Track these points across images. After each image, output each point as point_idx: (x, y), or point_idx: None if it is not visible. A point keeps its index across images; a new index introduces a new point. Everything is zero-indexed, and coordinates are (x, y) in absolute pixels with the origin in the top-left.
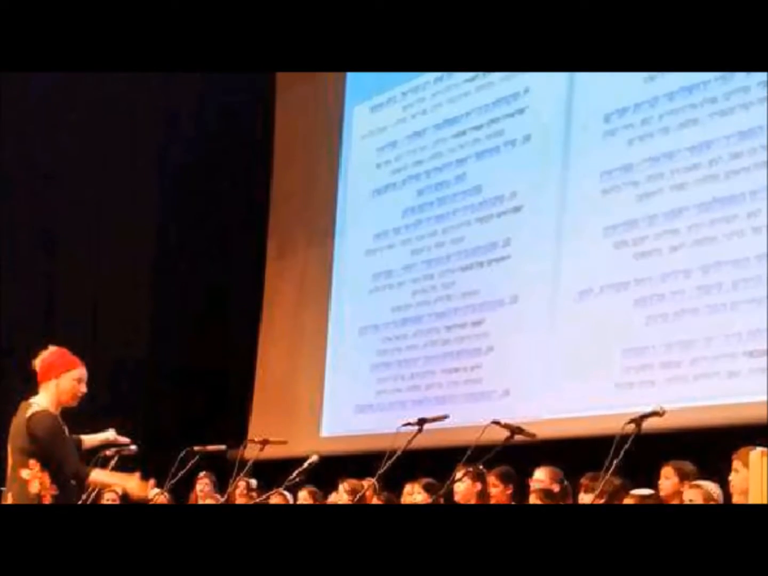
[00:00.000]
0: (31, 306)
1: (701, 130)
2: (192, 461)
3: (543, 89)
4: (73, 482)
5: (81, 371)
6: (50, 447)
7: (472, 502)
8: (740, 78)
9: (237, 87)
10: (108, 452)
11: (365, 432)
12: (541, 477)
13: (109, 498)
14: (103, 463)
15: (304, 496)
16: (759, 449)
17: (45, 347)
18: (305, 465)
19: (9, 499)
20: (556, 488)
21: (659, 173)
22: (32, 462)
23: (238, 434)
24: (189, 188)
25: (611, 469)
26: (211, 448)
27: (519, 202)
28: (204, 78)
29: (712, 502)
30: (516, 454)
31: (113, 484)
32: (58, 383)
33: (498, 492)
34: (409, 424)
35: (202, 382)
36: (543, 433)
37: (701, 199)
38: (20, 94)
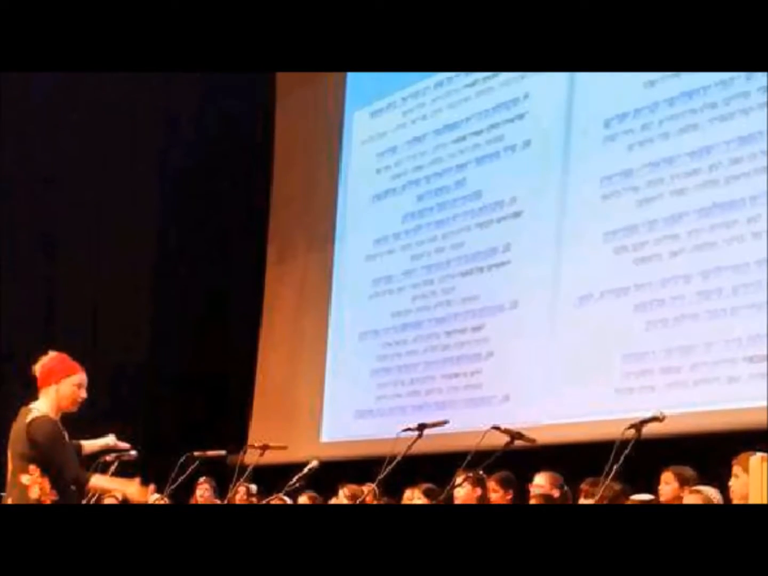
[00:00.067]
0: (31, 311)
1: (701, 136)
2: (192, 466)
3: (543, 94)
4: (73, 487)
5: (81, 376)
6: (50, 452)
7: None
8: (740, 83)
9: (237, 92)
10: (108, 457)
11: (365, 437)
12: (541, 482)
13: (109, 503)
14: (103, 469)
15: (304, 502)
16: (759, 454)
17: (45, 352)
18: (305, 470)
19: None
20: (556, 493)
21: (659, 178)
22: (32, 467)
23: (238, 439)
24: (189, 192)
25: (611, 475)
26: (211, 453)
27: (519, 208)
28: (204, 82)
29: None
30: (516, 459)
31: (113, 489)
32: (58, 389)
33: (498, 497)
34: (409, 429)
35: (202, 387)
36: (543, 438)
37: (701, 204)
38: (21, 97)
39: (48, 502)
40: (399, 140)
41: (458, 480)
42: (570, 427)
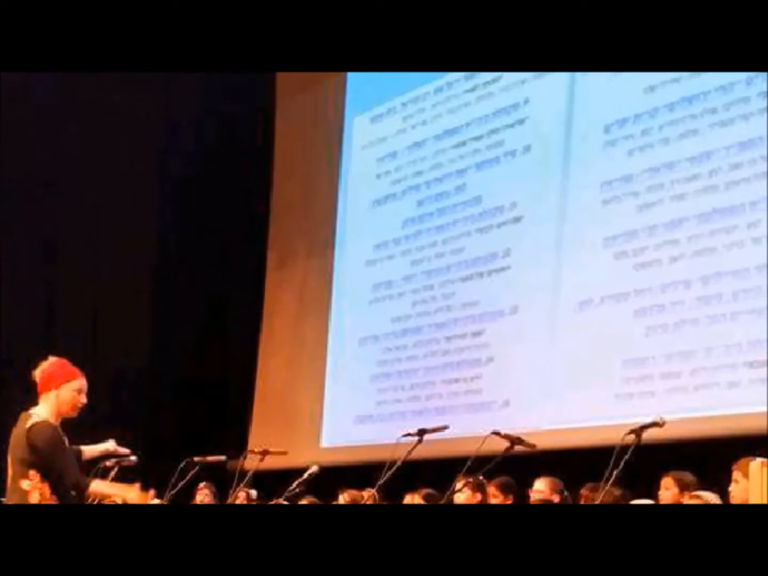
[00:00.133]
0: (31, 316)
1: (701, 141)
2: (192, 472)
3: (543, 100)
4: (73, 493)
5: (81, 382)
6: (50, 458)
7: None
8: (740, 88)
9: (237, 97)
10: (108, 463)
11: (365, 442)
12: (541, 487)
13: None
14: (103, 474)
15: None
16: (759, 460)
17: (45, 358)
18: (305, 476)
19: None
20: (556, 499)
21: (659, 184)
22: (32, 473)
23: (238, 445)
24: (189, 197)
25: (611, 480)
26: (211, 458)
27: (519, 213)
28: (204, 88)
29: None
30: (516, 464)
31: (113, 494)
32: (58, 394)
33: (498, 502)
34: (409, 434)
35: (202, 392)
36: (543, 443)
37: (701, 209)
38: (21, 100)
39: None
40: (399, 145)
41: (458, 485)
42: (570, 432)
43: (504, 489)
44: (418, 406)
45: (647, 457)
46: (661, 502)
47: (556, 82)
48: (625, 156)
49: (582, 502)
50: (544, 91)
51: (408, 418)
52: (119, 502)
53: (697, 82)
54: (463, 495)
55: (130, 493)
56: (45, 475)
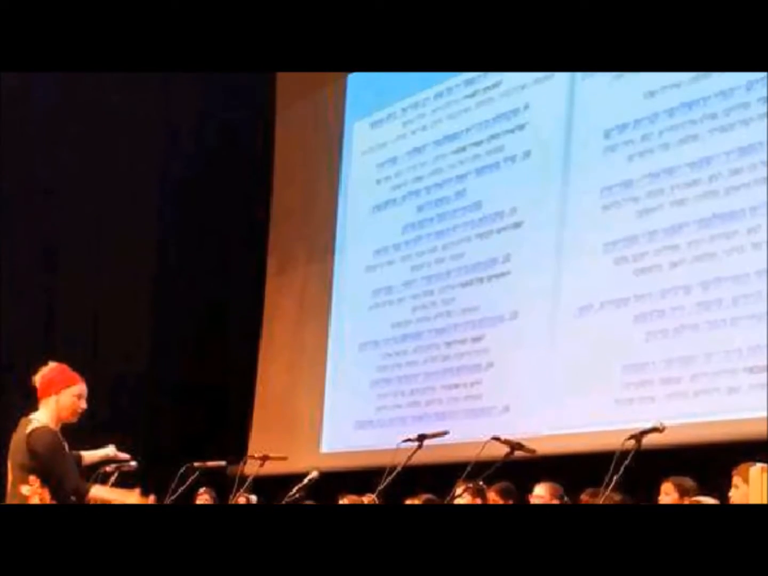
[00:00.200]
0: (31, 321)
1: (701, 146)
2: (192, 477)
3: (543, 105)
4: (73, 498)
5: (81, 387)
6: (50, 463)
7: None
8: (740, 94)
9: (237, 103)
10: (108, 468)
11: (365, 448)
12: (541, 493)
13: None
14: (103, 479)
15: None
16: (759, 465)
17: (45, 363)
18: (305, 481)
19: None
20: (556, 504)
21: (659, 189)
22: (32, 478)
23: (238, 450)
24: (189, 204)
25: (611, 485)
26: (211, 464)
27: (519, 218)
28: (204, 94)
29: None
30: (516, 470)
31: (113, 500)
32: (58, 399)
33: None
34: (409, 440)
35: (202, 397)
36: (543, 449)
37: (701, 214)
38: (21, 106)
39: None
40: (399, 151)
41: (458, 490)
42: (570, 437)
43: (504, 494)
44: (418, 411)
45: (647, 463)
46: None
47: (556, 87)
48: (625, 161)
49: None
50: (544, 97)
51: (408, 424)
52: None
53: (697, 87)
54: (463, 500)
55: (130, 499)
56: (45, 481)
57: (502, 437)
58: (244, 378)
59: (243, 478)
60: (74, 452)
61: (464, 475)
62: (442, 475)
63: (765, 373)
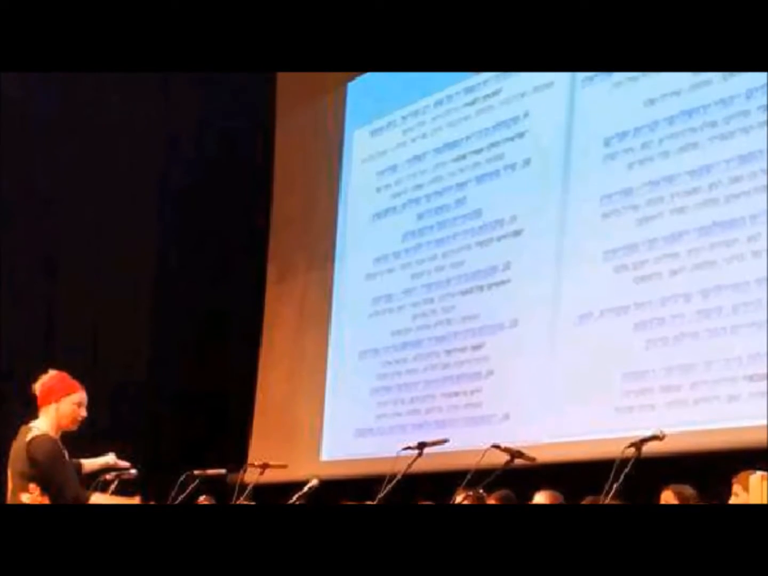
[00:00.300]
0: (31, 330)
1: (701, 154)
2: (192, 485)
3: (543, 113)
4: None
5: (81, 395)
6: (50, 471)
7: None
8: (740, 102)
9: (237, 111)
10: (108, 476)
11: (365, 456)
12: (541, 501)
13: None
14: (103, 487)
15: None
16: (759, 473)
17: (45, 371)
18: (305, 489)
19: None
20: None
21: (659, 197)
22: (32, 486)
23: (238, 458)
24: (189, 212)
25: (611, 493)
26: (211, 471)
27: (519, 226)
28: (204, 102)
29: None
30: (516, 478)
31: None
32: (58, 407)
33: None
34: (409, 448)
35: (202, 405)
36: (543, 456)
37: (701, 223)
38: (21, 117)
39: None
40: (399, 159)
41: (458, 498)
42: (570, 445)
43: (504, 502)
44: (418, 419)
45: (647, 471)
46: None
47: (555, 95)
48: (625, 169)
49: None
50: (543, 105)
51: (408, 432)
52: None
53: (697, 95)
54: None
55: None
56: (45, 489)
57: (502, 445)
58: (244, 386)
59: (243, 486)
60: (74, 460)
61: (464, 483)
62: (442, 483)
63: (765, 381)
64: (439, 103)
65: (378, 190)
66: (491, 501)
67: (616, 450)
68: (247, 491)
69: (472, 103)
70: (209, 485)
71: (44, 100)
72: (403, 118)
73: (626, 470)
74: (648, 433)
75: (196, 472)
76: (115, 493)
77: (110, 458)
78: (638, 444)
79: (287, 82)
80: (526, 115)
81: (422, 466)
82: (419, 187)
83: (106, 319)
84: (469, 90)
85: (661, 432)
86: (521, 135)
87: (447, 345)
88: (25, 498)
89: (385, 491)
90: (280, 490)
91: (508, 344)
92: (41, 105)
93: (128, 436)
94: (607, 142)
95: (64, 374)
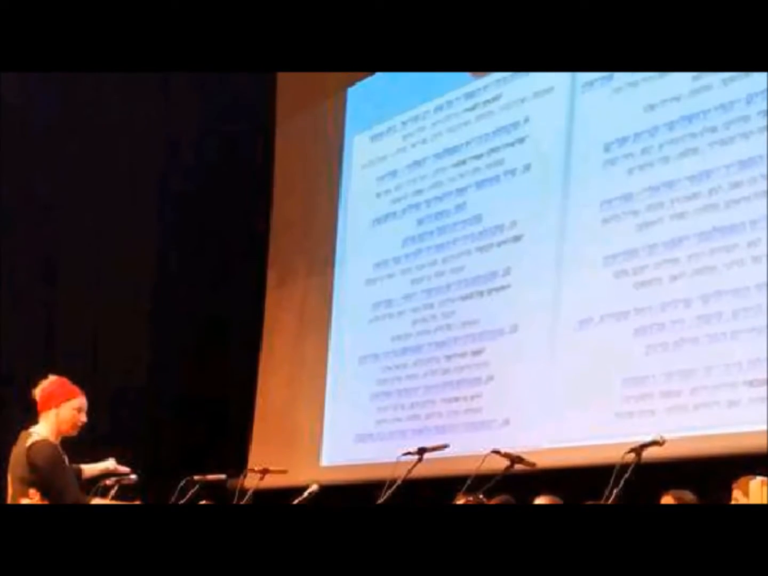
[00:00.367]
0: (31, 335)
1: (701, 160)
2: (192, 490)
3: (543, 118)
4: None
5: (81, 400)
6: (50, 476)
7: None
8: (740, 107)
9: (237, 116)
10: (108, 481)
11: (365, 461)
12: None
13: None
14: (103, 493)
15: None
16: (759, 478)
17: (45, 376)
18: (305, 494)
19: None
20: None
21: (659, 202)
22: (32, 491)
23: (238, 463)
24: (189, 217)
25: (611, 499)
26: (211, 477)
27: (519, 232)
28: (204, 107)
29: None
30: (516, 483)
31: None
32: (58, 412)
33: None
34: (409, 453)
35: (202, 411)
36: (543, 462)
37: (701, 228)
38: (21, 122)
39: None
40: (399, 164)
41: (458, 504)
42: (570, 451)
43: None
44: (418, 424)
45: (647, 476)
46: None
47: (555, 100)
48: (625, 174)
49: None
50: (544, 110)
51: (408, 437)
52: None
53: (696, 100)
54: None
55: None
56: (45, 494)
57: (502, 450)
58: (244, 391)
59: (243, 492)
60: (74, 465)
61: (464, 489)
62: (442, 489)
63: (765, 387)
64: (439, 108)
65: (378, 195)
66: None
67: (616, 455)
68: (247, 496)
69: (472, 108)
70: (209, 490)
71: (44, 106)
72: (403, 123)
73: (626, 475)
74: (648, 439)
75: (196, 477)
76: (115, 498)
77: (110, 463)
78: (638, 449)
79: (287, 86)
80: (526, 120)
81: (422, 471)
82: (419, 192)
83: (106, 324)
84: (469, 95)
85: (661, 437)
86: (521, 140)
87: (447, 350)
88: (25, 503)
89: (385, 496)
90: (280, 495)
91: (508, 349)
92: (41, 110)
93: (128, 442)
94: (607, 148)
95: (64, 379)
